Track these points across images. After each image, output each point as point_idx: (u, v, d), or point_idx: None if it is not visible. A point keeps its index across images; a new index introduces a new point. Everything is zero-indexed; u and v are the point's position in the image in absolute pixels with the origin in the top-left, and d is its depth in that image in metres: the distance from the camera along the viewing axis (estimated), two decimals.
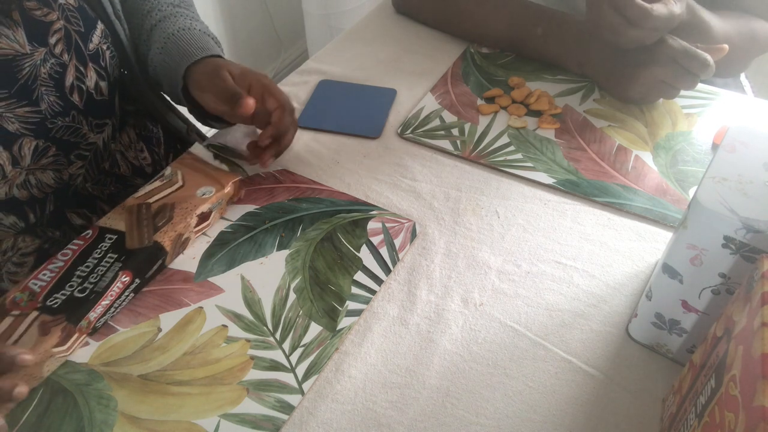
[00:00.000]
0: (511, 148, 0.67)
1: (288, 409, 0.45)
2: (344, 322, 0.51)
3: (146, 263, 0.53)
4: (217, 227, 0.59)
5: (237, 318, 0.51)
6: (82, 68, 0.60)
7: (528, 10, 0.77)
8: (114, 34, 0.65)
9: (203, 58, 0.62)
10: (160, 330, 0.50)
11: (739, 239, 0.37)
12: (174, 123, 0.77)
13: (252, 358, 0.48)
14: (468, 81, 0.78)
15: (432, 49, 0.85)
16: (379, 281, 0.54)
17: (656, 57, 0.65)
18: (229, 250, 0.57)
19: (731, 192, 0.39)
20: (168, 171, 0.60)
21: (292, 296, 0.53)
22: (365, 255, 0.56)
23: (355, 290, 0.53)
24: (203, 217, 0.57)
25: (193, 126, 0.80)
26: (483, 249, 0.57)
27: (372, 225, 0.59)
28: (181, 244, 0.56)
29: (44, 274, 0.50)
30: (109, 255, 0.52)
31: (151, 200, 0.57)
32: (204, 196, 0.57)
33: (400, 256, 0.56)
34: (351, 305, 0.52)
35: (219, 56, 0.64)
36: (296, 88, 0.78)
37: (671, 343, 0.47)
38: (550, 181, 0.63)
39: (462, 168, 0.66)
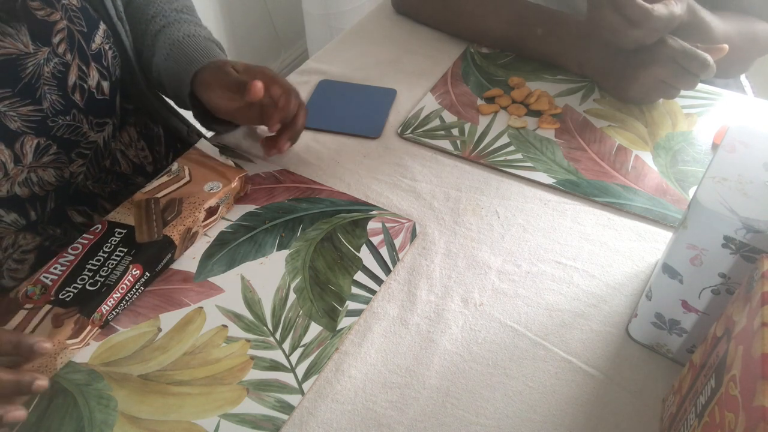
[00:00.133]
0: (511, 148, 0.67)
1: (288, 409, 0.45)
2: (344, 322, 0.51)
3: (156, 257, 0.53)
4: (217, 227, 0.59)
5: (237, 318, 0.51)
6: (84, 68, 0.60)
7: (528, 10, 0.77)
8: (116, 34, 0.66)
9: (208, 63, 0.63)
10: (160, 330, 0.50)
11: (739, 239, 0.37)
12: (174, 124, 0.78)
13: (252, 358, 0.48)
14: (468, 81, 0.78)
15: (432, 49, 0.85)
16: (379, 281, 0.54)
17: (656, 57, 0.65)
18: (229, 250, 0.57)
19: (731, 192, 0.39)
20: (175, 166, 0.60)
21: (292, 296, 0.53)
22: (365, 255, 0.56)
23: (355, 290, 0.53)
24: (211, 212, 0.57)
25: (194, 127, 0.80)
26: (483, 249, 0.57)
27: (372, 225, 0.59)
28: (189, 239, 0.56)
29: (55, 268, 0.51)
30: (119, 249, 0.52)
31: (159, 195, 0.57)
32: (211, 191, 0.57)
33: (400, 256, 0.56)
34: (351, 305, 0.52)
35: None
36: (296, 88, 0.78)
37: (671, 343, 0.47)
38: (550, 181, 0.63)
39: (462, 168, 0.66)
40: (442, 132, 0.70)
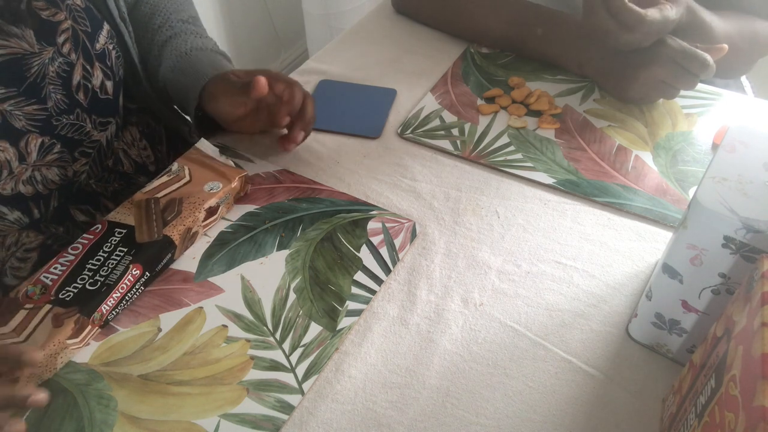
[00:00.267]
0: (511, 148, 0.67)
1: (288, 409, 0.45)
2: (344, 322, 0.51)
3: (156, 257, 0.53)
4: (217, 227, 0.59)
5: (237, 318, 0.51)
6: (89, 67, 0.61)
7: (528, 11, 0.77)
8: (119, 35, 0.66)
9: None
10: (160, 330, 0.50)
11: (739, 239, 0.37)
12: (176, 123, 0.78)
13: (252, 358, 0.48)
14: (468, 81, 0.78)
15: (432, 49, 0.85)
16: (379, 281, 0.54)
17: (656, 57, 0.66)
18: (229, 250, 0.57)
19: (731, 192, 0.39)
20: (175, 166, 0.60)
21: (292, 296, 0.53)
22: (365, 255, 0.56)
23: (355, 290, 0.53)
24: (211, 212, 0.57)
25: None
26: (483, 249, 0.57)
27: (372, 225, 0.59)
28: (189, 238, 0.56)
29: (55, 268, 0.51)
30: (119, 249, 0.52)
31: (159, 195, 0.57)
32: (211, 191, 0.57)
33: (400, 256, 0.56)
34: (351, 305, 0.52)
35: None
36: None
37: (671, 343, 0.47)
38: (550, 181, 0.63)
39: (462, 168, 0.66)
40: (442, 132, 0.70)
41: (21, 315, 0.47)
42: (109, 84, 0.64)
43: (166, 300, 0.53)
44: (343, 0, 1.73)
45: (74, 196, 0.66)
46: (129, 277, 0.51)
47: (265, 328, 0.50)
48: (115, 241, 0.53)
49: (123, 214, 0.55)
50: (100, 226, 0.54)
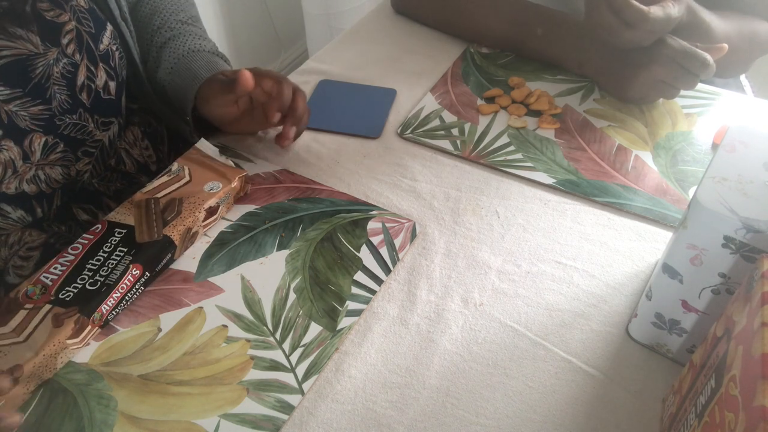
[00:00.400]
0: (511, 148, 0.67)
1: (288, 409, 0.45)
2: (344, 322, 0.51)
3: (156, 257, 0.53)
4: (217, 227, 0.59)
5: (237, 318, 0.51)
6: (93, 68, 0.61)
7: (528, 10, 0.77)
8: (121, 35, 0.66)
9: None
10: (160, 330, 0.50)
11: (739, 239, 0.37)
12: (177, 123, 0.78)
13: (252, 358, 0.48)
14: (468, 81, 0.78)
15: (432, 49, 0.85)
16: (379, 281, 0.54)
17: (656, 57, 0.65)
18: (229, 250, 0.57)
19: (731, 192, 0.39)
20: (175, 166, 0.60)
21: (292, 296, 0.53)
22: (365, 255, 0.56)
23: (355, 290, 0.53)
24: (211, 212, 0.57)
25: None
26: (483, 249, 0.57)
27: (372, 225, 0.59)
28: (189, 239, 0.56)
29: (55, 268, 0.51)
30: (119, 249, 0.52)
31: (159, 195, 0.57)
32: (211, 191, 0.57)
33: (400, 256, 0.56)
34: (351, 305, 0.52)
35: None
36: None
37: (671, 343, 0.47)
38: (550, 181, 0.63)
39: (462, 168, 0.66)
40: (442, 132, 0.70)
41: (21, 315, 0.47)
42: (112, 84, 0.64)
43: (166, 300, 0.53)
44: (343, 0, 1.73)
45: (77, 195, 0.66)
46: (129, 277, 0.51)
47: (265, 328, 0.50)
48: (115, 241, 0.53)
49: (123, 214, 0.55)
50: (100, 226, 0.55)
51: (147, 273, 0.52)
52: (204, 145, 0.63)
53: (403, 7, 0.91)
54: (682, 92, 0.69)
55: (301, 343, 0.49)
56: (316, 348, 0.49)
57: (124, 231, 0.54)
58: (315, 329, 0.50)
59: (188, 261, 0.56)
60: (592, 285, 0.54)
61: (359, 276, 0.54)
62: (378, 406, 0.46)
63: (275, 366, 0.48)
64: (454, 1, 0.83)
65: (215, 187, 0.58)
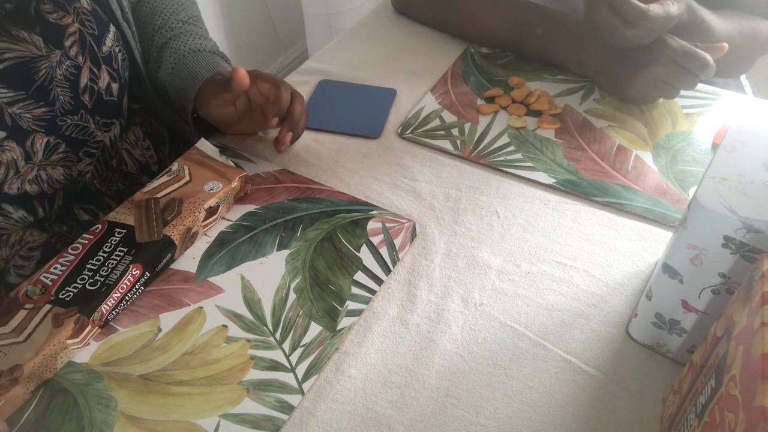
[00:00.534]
0: (511, 148, 0.67)
1: (288, 409, 0.45)
2: (344, 322, 0.51)
3: (156, 257, 0.53)
4: (217, 227, 0.59)
5: (237, 318, 0.51)
6: (95, 70, 0.61)
7: (528, 10, 0.77)
8: (122, 35, 0.66)
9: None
10: (160, 330, 0.50)
11: (739, 239, 0.37)
12: (178, 123, 0.78)
13: (252, 358, 0.48)
14: (468, 81, 0.78)
15: (432, 49, 0.85)
16: (379, 281, 0.54)
17: (656, 57, 0.65)
18: (229, 250, 0.57)
19: (731, 192, 0.39)
20: (175, 166, 0.60)
21: (292, 296, 0.53)
22: (365, 255, 0.56)
23: (355, 290, 0.53)
24: (211, 212, 0.57)
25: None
26: (483, 249, 0.57)
27: (372, 225, 0.59)
28: (189, 238, 0.56)
29: (55, 268, 0.51)
30: (119, 249, 0.52)
31: (159, 195, 0.57)
32: (211, 191, 0.57)
33: (400, 256, 0.56)
34: (351, 305, 0.52)
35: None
36: (296, 88, 0.78)
37: (671, 343, 0.47)
38: (550, 181, 0.63)
39: (462, 168, 0.66)
40: (442, 132, 0.70)
41: (21, 315, 0.47)
42: (114, 86, 0.64)
43: (166, 300, 0.53)
44: (343, 0, 1.73)
45: (78, 196, 0.66)
46: (129, 277, 0.51)
47: (265, 328, 0.50)
48: (115, 241, 0.53)
49: (123, 214, 0.56)
50: (100, 226, 0.55)
51: (147, 273, 0.52)
52: (204, 145, 0.63)
53: (403, 7, 0.91)
54: (682, 92, 0.68)
55: (301, 343, 0.49)
56: (316, 348, 0.49)
57: (124, 231, 0.54)
58: (315, 329, 0.50)
59: (188, 261, 0.56)
60: (592, 285, 0.54)
61: (359, 276, 0.54)
62: (378, 406, 0.46)
63: (275, 366, 0.48)
64: (454, 1, 0.83)
65: (215, 187, 0.58)
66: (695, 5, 0.68)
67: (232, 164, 0.62)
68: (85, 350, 0.49)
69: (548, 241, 0.57)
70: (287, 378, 0.47)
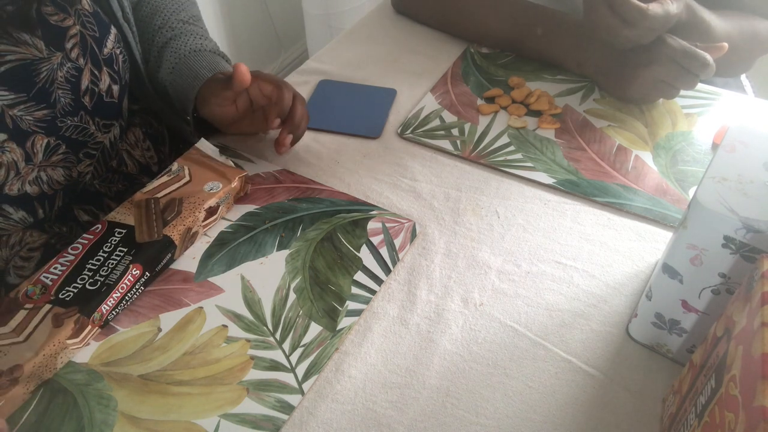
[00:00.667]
0: (511, 148, 0.67)
1: (288, 409, 0.45)
2: (344, 322, 0.51)
3: (156, 257, 0.53)
4: (217, 227, 0.59)
5: (237, 318, 0.51)
6: (96, 72, 0.61)
7: (528, 10, 0.77)
8: (123, 36, 0.66)
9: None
10: (160, 330, 0.50)
11: (739, 239, 0.37)
12: (178, 124, 0.78)
13: (252, 358, 0.48)
14: (468, 81, 0.78)
15: (432, 49, 0.85)
16: (379, 281, 0.54)
17: (656, 57, 0.65)
18: (229, 250, 0.57)
19: (731, 192, 0.39)
20: (175, 166, 0.60)
21: (292, 296, 0.53)
22: (365, 255, 0.56)
23: (355, 290, 0.53)
24: (211, 212, 0.57)
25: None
26: (483, 249, 0.57)
27: (372, 225, 0.59)
28: (189, 238, 0.56)
29: (55, 268, 0.51)
30: (119, 249, 0.52)
31: (159, 195, 0.57)
32: (211, 191, 0.57)
33: (400, 256, 0.56)
34: (351, 305, 0.52)
35: None
36: (296, 88, 0.78)
37: (671, 343, 0.47)
38: (550, 181, 0.63)
39: (462, 168, 0.66)
40: (442, 132, 0.70)
41: (21, 315, 0.47)
42: (115, 88, 0.64)
43: (166, 300, 0.53)
44: (343, 0, 1.73)
45: (78, 197, 0.66)
46: (129, 277, 0.51)
47: (265, 328, 0.50)
48: (115, 241, 0.53)
49: (123, 214, 0.56)
50: (100, 226, 0.55)
51: (147, 273, 0.52)
52: (204, 145, 0.63)
53: (403, 7, 0.91)
54: (682, 92, 0.68)
55: (301, 343, 0.49)
56: (316, 348, 0.49)
57: (124, 231, 0.54)
58: (315, 329, 0.50)
59: (188, 261, 0.56)
60: (592, 285, 0.54)
61: (359, 276, 0.54)
62: (378, 406, 0.46)
63: (275, 366, 0.48)
64: (454, 2, 0.83)
65: (215, 187, 0.58)
66: (695, 5, 0.68)
67: (232, 164, 0.62)
68: (85, 350, 0.49)
69: (548, 241, 0.57)
70: (287, 378, 0.47)
